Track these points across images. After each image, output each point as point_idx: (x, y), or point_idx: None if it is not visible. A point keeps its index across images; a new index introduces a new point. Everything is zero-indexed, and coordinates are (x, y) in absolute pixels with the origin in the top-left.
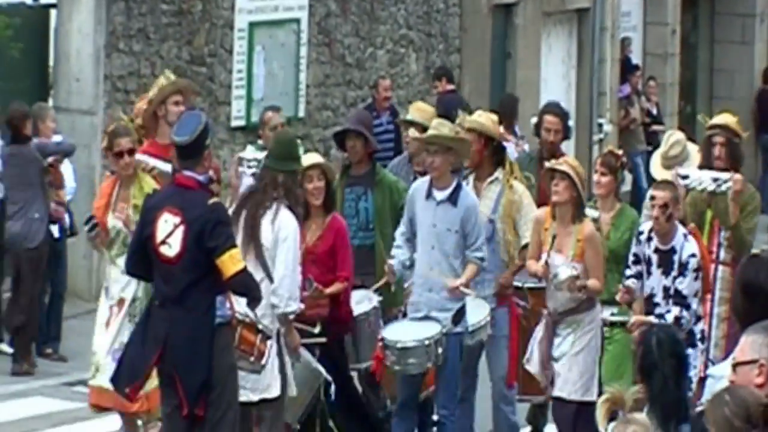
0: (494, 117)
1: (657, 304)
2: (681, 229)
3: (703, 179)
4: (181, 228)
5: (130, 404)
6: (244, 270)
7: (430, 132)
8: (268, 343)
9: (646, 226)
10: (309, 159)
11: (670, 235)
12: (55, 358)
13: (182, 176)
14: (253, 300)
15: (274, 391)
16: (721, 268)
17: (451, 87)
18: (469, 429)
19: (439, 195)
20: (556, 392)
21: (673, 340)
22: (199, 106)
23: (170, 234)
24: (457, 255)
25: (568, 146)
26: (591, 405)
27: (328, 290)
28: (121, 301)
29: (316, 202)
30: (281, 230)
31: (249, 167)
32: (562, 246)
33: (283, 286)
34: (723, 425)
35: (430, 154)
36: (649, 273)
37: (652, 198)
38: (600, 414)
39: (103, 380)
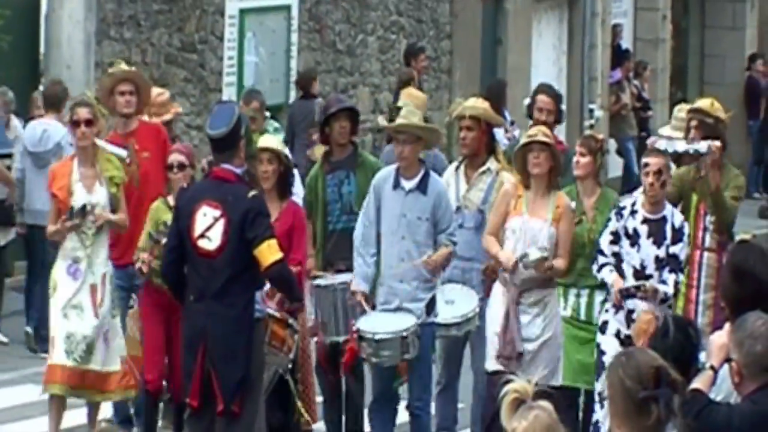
0: (487, 104)
1: (650, 276)
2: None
3: (678, 145)
4: (222, 221)
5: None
6: (282, 260)
7: (400, 121)
8: (296, 337)
9: (627, 201)
10: (263, 141)
11: (661, 204)
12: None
13: (220, 169)
14: (293, 298)
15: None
16: (706, 254)
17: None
18: (451, 417)
19: (408, 184)
20: (523, 374)
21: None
22: (190, 93)
23: (210, 227)
24: (429, 243)
25: (559, 131)
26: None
27: None
28: (103, 277)
29: (266, 186)
30: None
31: None
32: (537, 212)
33: None
34: (617, 385)
35: (399, 144)
36: (637, 245)
37: (646, 165)
38: (504, 407)
39: (95, 362)
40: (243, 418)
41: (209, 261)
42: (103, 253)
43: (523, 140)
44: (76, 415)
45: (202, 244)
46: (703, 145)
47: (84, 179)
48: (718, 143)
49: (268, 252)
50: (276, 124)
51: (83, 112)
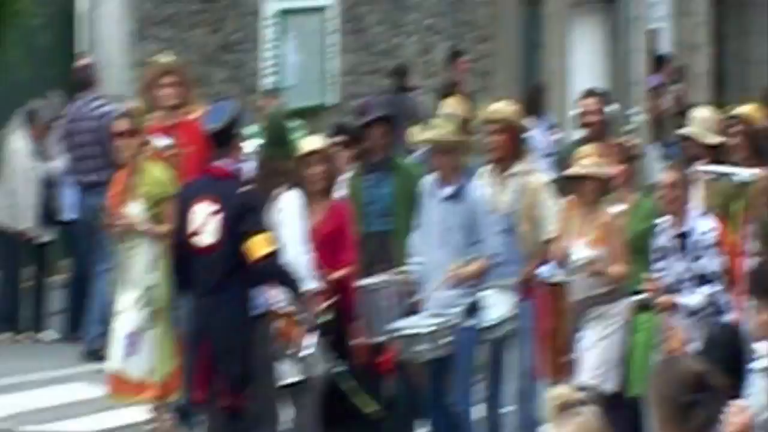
0: (515, 107)
1: (679, 290)
2: (696, 210)
3: (725, 172)
4: (217, 217)
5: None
6: (273, 254)
7: (430, 134)
8: (308, 332)
9: (664, 217)
10: (310, 144)
11: (684, 217)
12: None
13: (214, 165)
14: (292, 289)
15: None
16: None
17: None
18: (498, 424)
19: (445, 192)
20: (576, 380)
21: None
22: (229, 94)
23: (205, 224)
24: (463, 252)
25: None
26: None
27: (331, 276)
28: (147, 289)
29: (314, 188)
30: (282, 212)
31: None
32: (583, 232)
33: (295, 267)
34: (659, 391)
35: (433, 155)
36: (667, 261)
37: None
38: (549, 412)
39: (131, 369)
40: (248, 413)
41: (206, 257)
42: (137, 268)
43: (578, 170)
44: (123, 413)
45: (198, 240)
46: (746, 174)
47: (127, 190)
48: (759, 171)
49: (257, 246)
50: None
51: (120, 124)
